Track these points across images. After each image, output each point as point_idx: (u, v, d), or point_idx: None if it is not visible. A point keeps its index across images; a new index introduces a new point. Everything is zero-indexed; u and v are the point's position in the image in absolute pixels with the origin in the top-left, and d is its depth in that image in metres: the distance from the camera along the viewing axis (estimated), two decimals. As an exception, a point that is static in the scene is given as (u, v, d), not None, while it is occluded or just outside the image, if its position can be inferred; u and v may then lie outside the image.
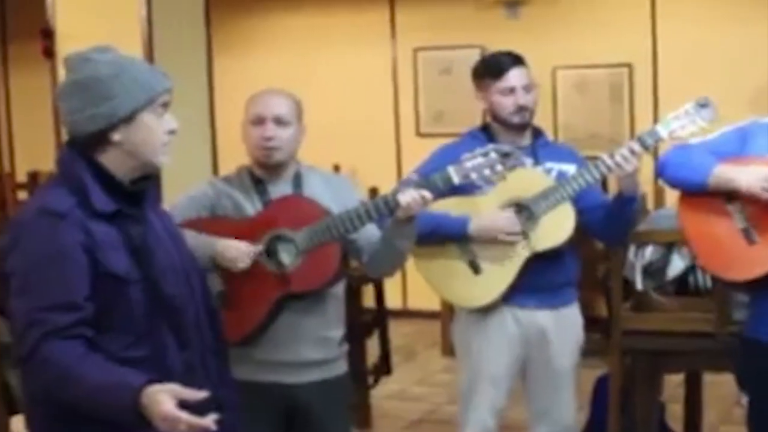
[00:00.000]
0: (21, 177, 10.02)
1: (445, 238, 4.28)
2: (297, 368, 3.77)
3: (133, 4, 5.92)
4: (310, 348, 3.79)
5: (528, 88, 4.35)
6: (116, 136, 2.83)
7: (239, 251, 3.66)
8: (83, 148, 2.85)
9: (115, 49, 2.92)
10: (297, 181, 3.86)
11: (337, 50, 9.87)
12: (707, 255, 3.97)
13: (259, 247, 3.68)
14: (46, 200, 2.82)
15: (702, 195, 3.86)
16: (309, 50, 9.92)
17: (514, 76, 4.34)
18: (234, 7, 9.61)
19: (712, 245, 3.90)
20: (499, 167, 3.68)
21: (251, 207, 3.79)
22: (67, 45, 6.02)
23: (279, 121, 3.77)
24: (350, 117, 9.68)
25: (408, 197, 3.61)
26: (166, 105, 2.90)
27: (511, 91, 4.34)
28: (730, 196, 3.80)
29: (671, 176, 3.95)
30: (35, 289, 2.74)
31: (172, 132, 2.91)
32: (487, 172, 3.68)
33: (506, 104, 4.35)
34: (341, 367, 3.92)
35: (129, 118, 2.83)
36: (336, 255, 3.73)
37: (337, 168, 9.54)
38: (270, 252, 3.70)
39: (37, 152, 9.26)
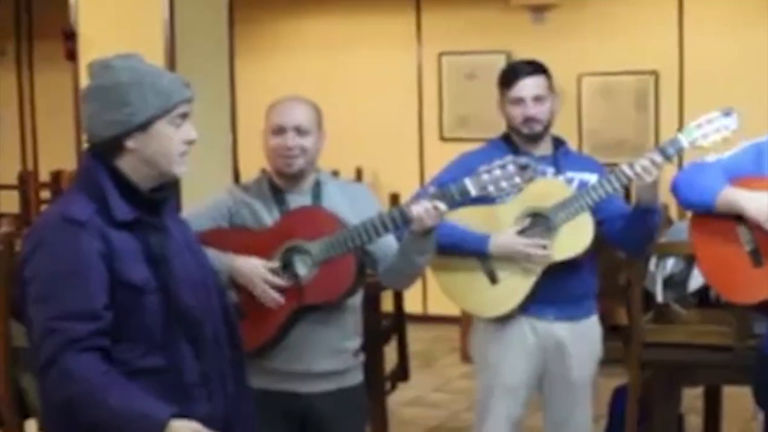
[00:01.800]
0: (44, 176, 10.07)
1: (466, 253, 4.26)
2: (312, 378, 3.75)
3: (155, 8, 5.91)
4: (326, 358, 3.77)
5: (540, 99, 4.31)
6: (131, 144, 2.83)
7: (256, 275, 3.67)
8: (101, 153, 2.85)
9: (139, 57, 2.92)
10: (316, 190, 3.84)
11: (362, 54, 9.87)
12: (714, 275, 3.95)
13: (276, 265, 3.67)
14: (67, 207, 2.82)
15: (712, 215, 3.83)
16: (334, 54, 9.93)
17: (524, 87, 4.31)
18: (258, 11, 9.62)
19: (719, 266, 3.88)
20: (516, 179, 3.65)
21: (269, 216, 3.78)
22: (89, 48, 6.04)
23: (299, 131, 3.76)
24: (374, 121, 9.69)
25: (421, 209, 3.59)
26: (185, 115, 2.88)
27: (520, 101, 4.31)
28: (739, 217, 3.76)
29: (682, 197, 3.94)
30: (54, 297, 2.72)
31: (190, 142, 2.90)
32: (504, 184, 3.65)
33: (515, 114, 4.33)
34: (356, 378, 3.90)
35: (144, 126, 2.82)
36: (352, 267, 3.71)
37: (359, 172, 9.55)
38: (286, 263, 3.69)
39: (59, 152, 9.29)
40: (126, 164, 2.85)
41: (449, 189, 3.67)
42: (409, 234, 3.68)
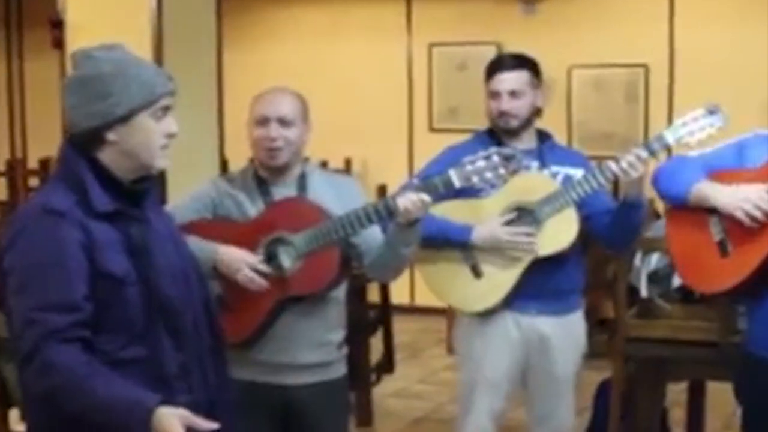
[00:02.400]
0: (33, 163, 10.04)
1: (448, 244, 4.25)
2: (295, 370, 3.75)
3: (143, -3, 5.91)
4: (309, 351, 3.77)
5: (516, 95, 4.31)
6: (112, 136, 2.81)
7: (239, 261, 3.65)
8: (81, 144, 2.83)
9: (123, 48, 2.90)
10: (302, 182, 3.83)
11: (352, 44, 9.86)
12: (682, 264, 3.95)
13: (259, 257, 3.66)
14: (47, 198, 2.80)
15: (687, 207, 3.83)
16: (323, 44, 9.92)
17: (501, 81, 4.31)
18: (246, 0, 9.59)
19: (687, 255, 3.88)
20: (501, 170, 3.65)
21: (253, 208, 3.77)
22: (76, 36, 6.02)
23: (283, 122, 3.74)
24: (363, 111, 9.68)
25: (406, 201, 3.58)
26: (167, 108, 2.86)
27: (496, 95, 4.31)
28: (714, 209, 3.77)
29: (660, 189, 3.94)
30: (34, 288, 2.71)
31: (171, 135, 2.88)
32: (488, 175, 3.64)
33: (491, 107, 4.34)
34: (340, 370, 3.90)
35: (126, 119, 2.80)
36: (336, 259, 3.71)
37: (348, 162, 9.54)
38: (270, 255, 3.68)
39: (48, 140, 9.25)
40: (106, 156, 2.83)
41: (434, 180, 3.67)
42: (395, 226, 3.68)
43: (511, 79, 4.31)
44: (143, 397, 2.68)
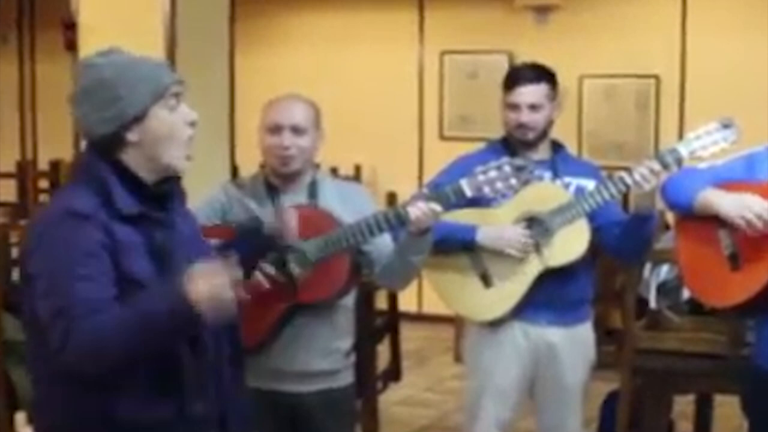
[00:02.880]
0: (43, 165, 10.07)
1: (455, 245, 4.24)
2: (303, 378, 3.75)
3: (156, 1, 5.90)
4: (318, 358, 3.77)
5: (535, 108, 4.30)
6: (131, 136, 2.79)
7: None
8: (103, 149, 2.81)
9: (119, 50, 2.88)
10: (312, 189, 3.83)
11: (364, 50, 9.87)
12: (692, 279, 3.95)
13: (270, 267, 3.65)
14: (71, 201, 2.77)
15: (697, 219, 3.82)
16: (335, 50, 9.92)
17: (520, 93, 4.31)
18: (259, 5, 9.62)
19: (697, 268, 3.88)
20: (512, 181, 3.64)
21: (264, 215, 3.76)
22: (89, 38, 6.02)
23: (296, 130, 3.74)
24: (374, 118, 9.68)
25: (417, 210, 3.58)
26: (178, 96, 2.84)
27: (515, 107, 4.31)
28: (722, 221, 3.75)
29: (667, 198, 3.94)
30: (62, 289, 2.68)
31: (192, 123, 2.86)
32: (499, 185, 3.64)
33: (509, 119, 4.33)
34: (347, 378, 3.89)
35: (141, 117, 2.78)
36: (345, 266, 3.70)
37: (358, 169, 9.54)
38: (280, 261, 3.67)
39: (59, 142, 9.28)
40: (130, 158, 2.81)
41: (445, 190, 3.67)
42: (405, 234, 3.68)
43: (530, 93, 4.31)
44: (163, 286, 2.70)
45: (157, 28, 5.86)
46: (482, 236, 4.23)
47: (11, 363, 4.41)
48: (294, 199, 3.79)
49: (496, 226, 4.23)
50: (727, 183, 3.78)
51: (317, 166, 3.93)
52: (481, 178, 3.64)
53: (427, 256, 3.83)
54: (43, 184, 10.01)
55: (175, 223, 2.91)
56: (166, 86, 2.82)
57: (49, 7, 9.56)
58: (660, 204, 4.15)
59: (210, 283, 2.63)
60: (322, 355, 3.77)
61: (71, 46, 6.18)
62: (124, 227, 2.77)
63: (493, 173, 3.64)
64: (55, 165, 9.74)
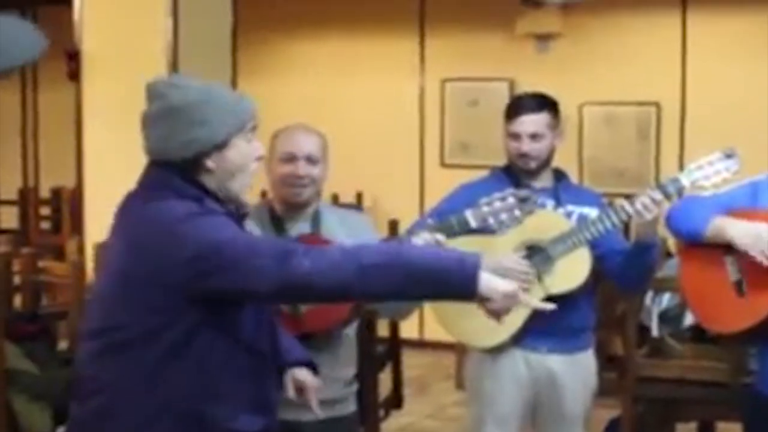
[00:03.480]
0: (44, 193, 10.10)
1: None
2: (305, 406, 3.73)
3: (159, 29, 5.92)
4: (323, 386, 3.76)
5: (536, 137, 4.31)
6: (210, 163, 2.81)
7: None
8: (183, 172, 2.82)
9: (192, 77, 2.92)
10: (316, 218, 3.84)
11: (365, 78, 9.89)
12: (698, 304, 3.96)
13: None
14: (188, 206, 2.77)
15: (702, 246, 3.83)
16: (336, 77, 9.94)
17: (522, 123, 4.32)
18: (261, 33, 9.63)
19: (703, 295, 3.88)
20: (516, 212, 3.66)
21: None
22: (92, 68, 6.05)
23: (310, 160, 3.76)
24: (375, 145, 9.70)
25: (422, 241, 3.59)
26: (254, 129, 2.88)
27: (517, 136, 4.32)
28: (728, 248, 3.76)
29: (674, 226, 3.94)
30: (239, 253, 2.69)
31: (260, 158, 2.91)
32: (503, 216, 3.65)
33: (511, 148, 4.34)
34: (349, 407, 3.89)
35: (222, 145, 2.81)
36: None
37: (359, 196, 9.55)
38: None
39: (60, 169, 9.33)
40: (209, 183, 2.84)
41: (449, 220, 3.68)
42: None
43: (532, 122, 4.32)
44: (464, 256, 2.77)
45: (159, 57, 5.89)
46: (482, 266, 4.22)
47: (13, 392, 4.40)
48: (299, 227, 3.80)
49: (495, 257, 4.22)
50: (734, 211, 3.79)
51: (318, 196, 3.95)
52: (485, 209, 3.66)
53: None
54: (45, 211, 10.04)
55: None
56: (250, 118, 2.86)
57: (52, 36, 9.58)
58: (662, 232, 4.16)
59: (512, 282, 2.77)
60: (325, 383, 3.76)
61: (74, 75, 6.20)
62: None
63: (497, 204, 3.66)
64: (56, 192, 9.78)
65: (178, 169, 2.81)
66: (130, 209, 2.89)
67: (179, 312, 2.74)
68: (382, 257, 2.72)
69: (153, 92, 2.86)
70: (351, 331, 3.85)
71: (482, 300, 2.78)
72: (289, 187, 3.77)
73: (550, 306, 3.04)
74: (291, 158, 3.76)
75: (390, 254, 2.75)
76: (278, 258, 2.67)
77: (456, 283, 2.73)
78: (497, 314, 2.85)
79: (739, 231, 3.71)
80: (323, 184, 3.86)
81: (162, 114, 2.81)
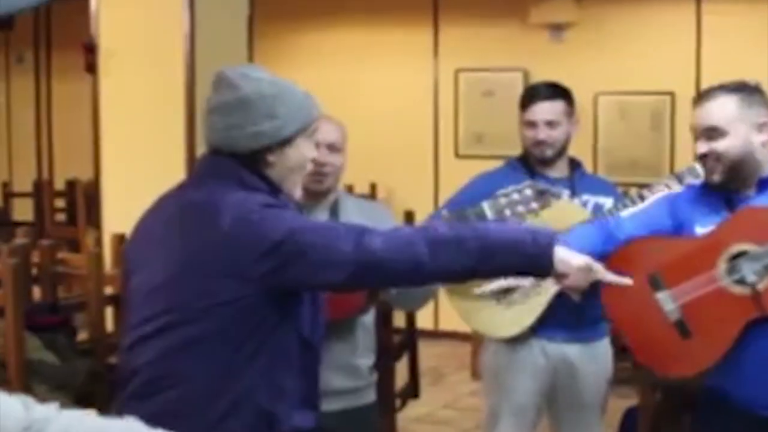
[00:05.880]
0: (59, 185, 10.12)
1: None
2: (325, 396, 3.74)
3: (176, 21, 5.93)
4: (340, 376, 3.76)
5: (552, 124, 4.33)
6: (272, 158, 2.83)
7: None
8: (246, 163, 2.82)
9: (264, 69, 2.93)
10: (334, 207, 3.85)
11: (379, 69, 9.90)
12: (643, 352, 3.65)
13: None
14: (262, 198, 2.78)
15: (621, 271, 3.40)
16: (350, 69, 9.95)
17: (537, 110, 4.33)
18: (276, 24, 9.65)
19: (645, 341, 3.60)
20: (533, 204, 3.65)
21: None
22: (109, 60, 6.06)
23: (332, 148, 3.77)
24: (389, 136, 9.70)
25: None
26: (315, 131, 2.91)
27: (533, 124, 4.33)
28: (655, 284, 3.49)
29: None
30: (317, 234, 2.71)
31: (313, 161, 2.94)
32: (520, 209, 3.65)
33: (527, 136, 4.35)
34: (369, 396, 3.89)
35: (288, 141, 2.83)
36: None
37: (373, 187, 9.56)
38: None
39: (75, 161, 9.35)
40: (269, 177, 2.85)
41: (466, 212, 3.68)
42: None
43: (547, 109, 4.33)
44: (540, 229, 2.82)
45: (176, 49, 5.90)
46: None
47: (34, 382, 4.43)
48: (317, 216, 3.81)
49: None
50: (663, 239, 3.59)
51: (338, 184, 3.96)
52: (502, 201, 3.66)
53: None
54: (60, 203, 10.07)
55: None
56: (315, 118, 2.89)
57: (67, 28, 9.63)
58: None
59: (584, 256, 2.80)
60: (345, 372, 3.77)
61: (91, 68, 6.21)
62: None
63: (515, 196, 3.66)
64: (71, 184, 9.80)
65: (242, 161, 2.81)
66: (187, 199, 2.88)
67: (253, 305, 2.72)
68: (453, 231, 2.72)
69: (223, 82, 2.85)
70: (369, 319, 3.86)
71: (558, 276, 2.78)
72: (310, 174, 3.78)
73: (627, 281, 3.02)
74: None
75: (461, 228, 2.74)
76: (353, 238, 2.68)
77: (531, 256, 2.73)
78: (574, 289, 2.82)
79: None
80: (343, 174, 3.88)
81: (233, 104, 2.80)
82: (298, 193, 2.92)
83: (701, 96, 3.60)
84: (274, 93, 2.81)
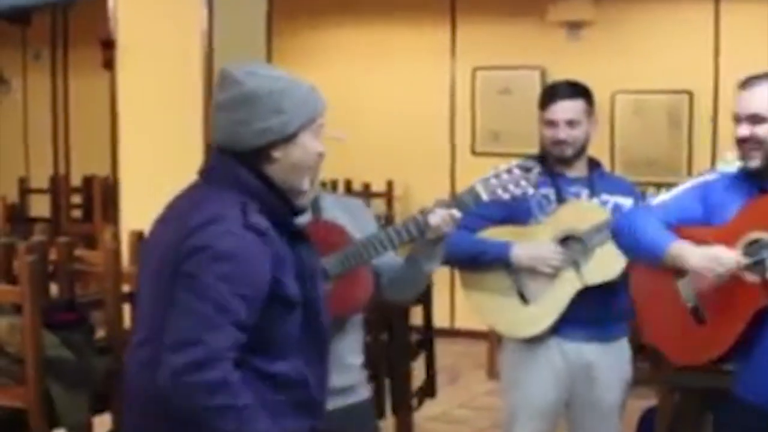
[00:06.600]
0: (76, 181, 10.13)
1: (489, 262, 4.24)
2: None
3: (194, 18, 5.94)
4: (335, 374, 3.74)
5: (573, 124, 4.30)
6: (277, 153, 2.80)
7: None
8: (250, 162, 2.80)
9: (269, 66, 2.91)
10: (315, 204, 3.82)
11: (396, 67, 9.88)
12: (657, 336, 3.75)
13: None
14: (244, 214, 2.73)
15: (649, 268, 3.64)
16: (368, 66, 9.95)
17: (558, 109, 4.30)
18: (296, 21, 9.65)
19: (661, 326, 3.70)
20: (523, 182, 3.65)
21: None
22: (127, 57, 6.06)
23: None
24: (406, 134, 9.69)
25: (438, 218, 3.55)
26: (321, 126, 2.88)
27: (553, 123, 4.30)
28: (679, 272, 3.56)
29: (626, 246, 3.74)
30: (222, 299, 2.64)
31: (321, 155, 2.90)
32: (512, 187, 3.64)
33: (547, 135, 4.33)
34: (364, 393, 3.85)
35: (292, 137, 2.80)
36: (369, 278, 3.68)
37: (390, 185, 9.56)
38: None
39: (92, 158, 9.36)
40: (273, 174, 2.82)
41: (462, 196, 3.66)
42: (421, 242, 3.65)
43: (568, 108, 4.31)
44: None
45: (195, 46, 5.90)
46: (516, 253, 4.23)
47: (51, 380, 4.42)
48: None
49: (530, 243, 4.23)
50: (687, 228, 3.60)
51: (324, 185, 3.91)
52: (493, 181, 3.65)
53: (439, 265, 3.80)
54: (76, 199, 10.08)
55: (311, 242, 2.95)
56: (320, 113, 2.86)
57: (84, 25, 9.62)
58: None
59: None
60: (340, 371, 3.73)
61: (109, 64, 6.21)
62: (284, 245, 2.79)
63: (504, 176, 3.65)
64: (88, 181, 9.81)
65: (244, 159, 2.80)
66: (177, 200, 2.90)
67: None
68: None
69: (228, 79, 2.83)
70: (358, 318, 3.84)
71: None
72: None
73: None
74: None
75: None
76: (210, 361, 2.62)
77: None
78: None
79: (700, 260, 3.45)
80: (320, 172, 3.85)
81: (238, 101, 2.79)
82: (305, 186, 2.89)
83: (744, 83, 3.60)
84: (279, 88, 2.79)
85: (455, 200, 3.65)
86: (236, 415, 2.63)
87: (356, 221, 3.78)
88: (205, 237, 2.69)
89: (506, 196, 3.69)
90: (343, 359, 3.74)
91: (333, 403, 3.67)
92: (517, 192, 3.67)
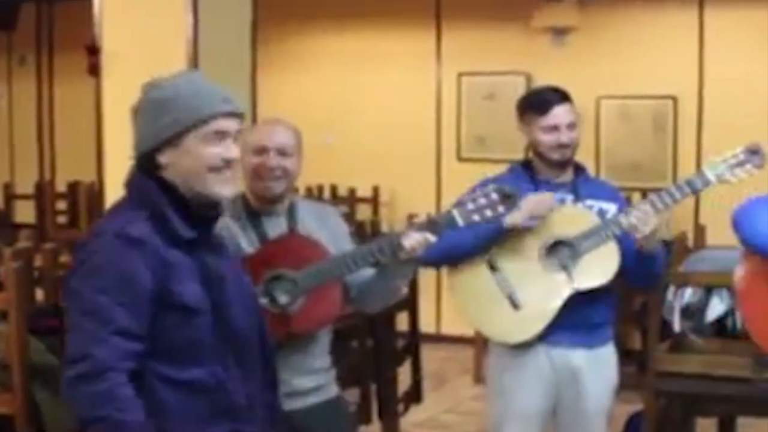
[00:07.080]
0: (61, 187, 10.10)
1: (483, 245, 4.24)
2: (291, 397, 3.69)
3: (179, 24, 5.92)
4: (302, 378, 3.73)
5: (572, 126, 4.32)
6: (163, 159, 2.81)
7: None
8: (143, 169, 2.83)
9: (196, 74, 2.97)
10: (291, 213, 3.81)
11: (382, 73, 9.90)
12: (758, 324, 3.73)
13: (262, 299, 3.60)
14: (124, 225, 2.76)
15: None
16: (353, 72, 9.95)
17: (559, 114, 4.31)
18: (282, 28, 9.65)
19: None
20: (500, 209, 3.65)
21: (247, 242, 3.72)
22: (112, 63, 6.04)
23: (282, 152, 3.72)
24: (392, 139, 9.70)
25: (412, 241, 3.57)
26: (222, 134, 2.83)
27: (555, 128, 4.31)
28: None
29: (746, 236, 3.67)
30: (102, 311, 2.69)
31: (227, 160, 2.84)
32: (488, 213, 3.65)
33: (548, 141, 4.32)
34: (332, 391, 3.86)
35: (172, 141, 2.80)
36: (338, 294, 3.70)
37: (376, 190, 9.56)
38: (267, 292, 3.63)
39: (78, 163, 9.35)
40: (173, 180, 2.82)
41: (438, 220, 3.66)
42: (394, 261, 3.66)
43: (567, 112, 4.32)
44: None
45: (180, 54, 5.88)
46: (510, 220, 4.14)
47: (36, 386, 4.42)
48: (274, 222, 3.76)
49: (523, 251, 4.23)
50: None
51: (297, 190, 3.91)
52: (470, 206, 3.65)
53: (408, 281, 3.81)
54: (61, 205, 10.05)
55: (223, 247, 2.94)
56: (206, 117, 2.80)
57: (69, 30, 9.62)
58: (678, 228, 4.13)
59: None
60: (307, 374, 3.74)
61: (94, 70, 6.20)
62: (176, 252, 2.78)
63: (482, 201, 3.65)
64: (73, 186, 9.79)
65: (140, 166, 2.84)
66: None
67: None
68: None
69: (142, 92, 2.89)
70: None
71: None
72: (261, 179, 3.73)
73: None
74: (262, 150, 3.71)
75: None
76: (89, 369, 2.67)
77: None
78: None
79: None
80: (296, 178, 3.83)
81: (135, 109, 2.86)
82: (222, 191, 2.86)
83: None
84: (168, 96, 2.81)
85: (430, 223, 3.65)
86: (118, 428, 2.64)
87: (327, 228, 3.82)
88: (84, 252, 2.78)
89: (482, 221, 3.70)
90: (312, 365, 3.76)
91: (301, 403, 3.71)
92: (493, 218, 3.69)
